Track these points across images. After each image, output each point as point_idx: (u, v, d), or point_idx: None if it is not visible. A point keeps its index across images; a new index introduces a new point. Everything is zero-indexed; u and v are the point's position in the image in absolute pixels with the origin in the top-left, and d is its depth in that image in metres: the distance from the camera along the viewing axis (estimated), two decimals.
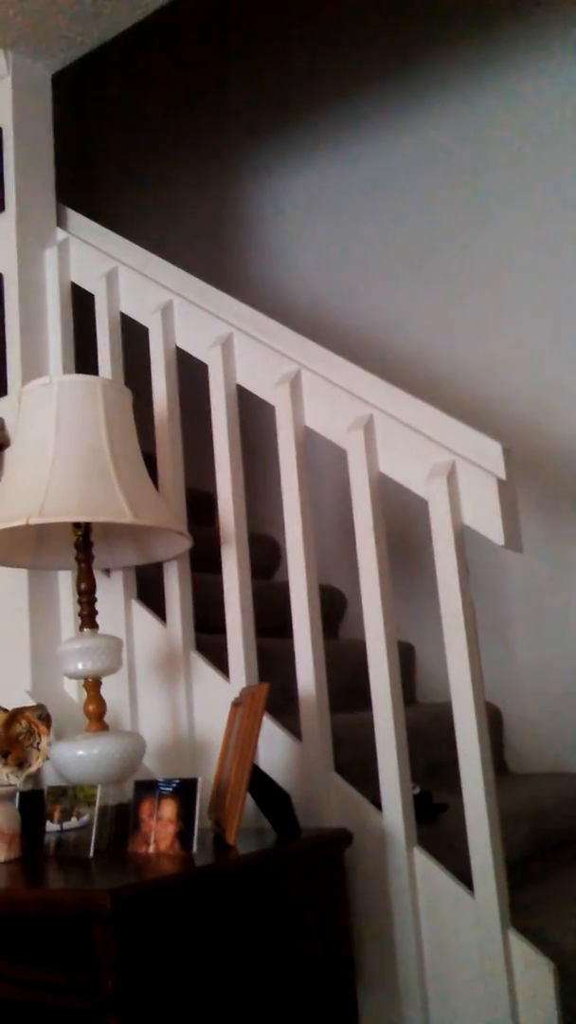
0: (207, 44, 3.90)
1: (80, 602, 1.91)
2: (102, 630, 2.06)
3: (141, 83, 4.13)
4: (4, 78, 2.52)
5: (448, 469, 1.81)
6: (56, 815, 1.68)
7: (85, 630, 1.90)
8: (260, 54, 3.70)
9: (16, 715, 1.96)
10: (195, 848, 1.58)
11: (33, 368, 2.39)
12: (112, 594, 2.20)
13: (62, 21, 2.43)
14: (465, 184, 3.08)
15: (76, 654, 1.85)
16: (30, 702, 2.12)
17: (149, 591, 2.27)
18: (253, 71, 3.72)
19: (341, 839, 1.76)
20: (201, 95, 3.91)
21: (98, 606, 1.95)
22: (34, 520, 1.73)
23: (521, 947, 1.62)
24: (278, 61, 3.64)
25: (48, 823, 1.69)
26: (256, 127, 3.68)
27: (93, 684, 1.87)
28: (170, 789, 1.64)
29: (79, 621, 1.91)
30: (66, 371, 2.42)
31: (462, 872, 1.73)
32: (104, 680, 1.92)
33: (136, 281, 2.38)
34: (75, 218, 2.54)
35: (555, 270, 2.86)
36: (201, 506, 3.15)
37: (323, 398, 2.04)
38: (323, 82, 3.49)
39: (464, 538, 1.81)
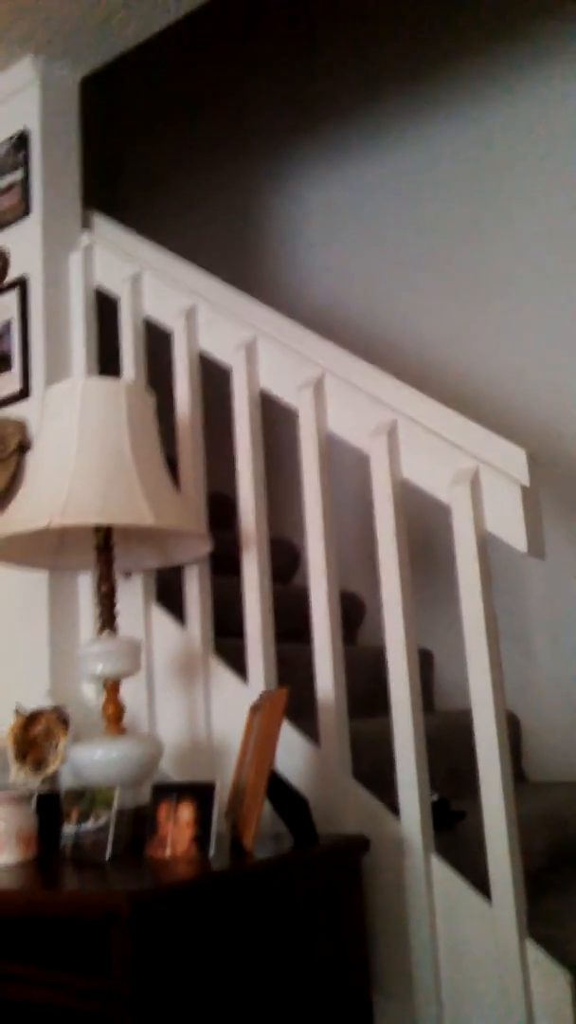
0: (233, 51, 3.91)
1: (100, 604, 1.92)
2: (121, 632, 2.06)
3: (167, 89, 4.14)
4: (32, 83, 2.54)
5: (471, 475, 1.80)
6: (73, 817, 1.68)
7: (105, 632, 1.90)
8: (284, 62, 3.71)
9: (35, 716, 1.96)
10: (212, 852, 1.58)
11: (57, 371, 2.40)
12: (132, 597, 2.20)
13: (89, 27, 2.44)
14: (487, 190, 3.07)
15: (95, 656, 1.85)
16: (49, 703, 2.12)
17: (168, 594, 2.27)
18: (276, 79, 3.73)
19: (358, 845, 1.75)
20: (226, 102, 3.91)
21: (118, 608, 1.95)
22: (56, 522, 1.73)
23: (538, 957, 1.60)
24: (301, 69, 3.64)
25: (65, 825, 1.69)
26: (279, 134, 3.68)
27: (112, 686, 1.87)
28: (188, 793, 1.64)
29: (99, 623, 1.91)
30: (89, 374, 2.43)
31: (480, 880, 1.71)
32: (123, 682, 1.92)
33: (160, 285, 2.39)
34: (100, 222, 2.55)
35: None
36: (221, 510, 3.15)
37: (346, 403, 2.03)
38: (345, 89, 3.49)
39: (487, 544, 1.80)
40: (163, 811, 1.65)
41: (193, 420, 2.26)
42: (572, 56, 2.94)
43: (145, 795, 1.79)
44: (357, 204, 3.41)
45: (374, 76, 3.41)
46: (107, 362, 2.53)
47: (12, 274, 2.49)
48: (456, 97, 3.18)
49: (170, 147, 4.10)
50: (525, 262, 2.96)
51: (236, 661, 2.09)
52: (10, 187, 2.54)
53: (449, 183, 3.17)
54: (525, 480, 1.77)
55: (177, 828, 1.62)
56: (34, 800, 1.80)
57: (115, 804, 1.65)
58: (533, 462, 1.79)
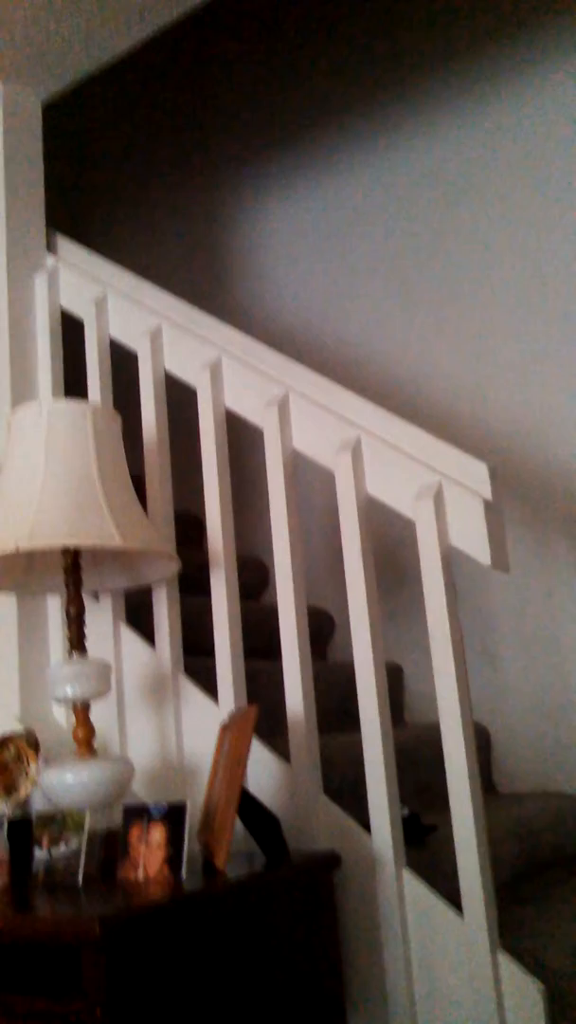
0: (197, 69, 3.94)
1: (69, 626, 1.92)
2: (91, 654, 2.06)
3: (131, 108, 4.17)
4: None
5: (435, 490, 1.82)
6: (45, 841, 1.68)
7: (74, 654, 1.90)
8: (249, 79, 3.74)
9: (4, 740, 1.95)
10: (184, 873, 1.58)
11: (22, 393, 2.40)
12: (101, 618, 2.21)
13: (52, 51, 2.45)
14: (452, 207, 3.11)
15: (65, 678, 1.85)
16: (18, 727, 2.12)
17: (138, 614, 2.27)
18: (242, 96, 3.76)
19: (330, 862, 1.76)
20: (190, 120, 3.94)
21: (87, 630, 1.96)
22: (23, 545, 1.73)
23: (511, 968, 1.62)
24: (267, 86, 3.68)
25: (36, 850, 1.68)
26: (245, 152, 3.71)
27: (82, 709, 1.87)
28: (159, 814, 1.64)
29: (68, 645, 1.91)
30: (55, 396, 2.44)
31: (452, 894, 1.73)
32: (93, 704, 1.92)
33: (125, 306, 2.40)
34: (65, 244, 2.56)
35: (542, 292, 2.89)
36: (189, 529, 3.16)
37: (311, 421, 2.05)
38: (311, 107, 3.52)
39: (451, 558, 1.82)
40: (135, 833, 1.65)
41: (160, 440, 2.27)
42: (538, 73, 2.99)
43: (116, 817, 1.79)
44: (320, 222, 3.44)
45: (343, 95, 3.45)
46: (73, 383, 2.54)
47: None
48: (419, 115, 3.22)
49: (134, 169, 4.12)
50: (488, 279, 3.00)
51: (206, 680, 2.10)
52: None
53: (416, 202, 3.21)
54: (488, 494, 1.79)
55: (149, 850, 1.62)
56: (5, 825, 1.79)
57: (86, 827, 1.65)
58: (495, 476, 1.82)
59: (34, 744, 1.94)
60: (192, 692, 2.07)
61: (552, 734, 2.70)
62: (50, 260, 2.54)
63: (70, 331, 2.55)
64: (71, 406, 1.92)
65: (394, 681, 2.90)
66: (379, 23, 3.36)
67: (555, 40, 2.95)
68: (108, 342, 2.44)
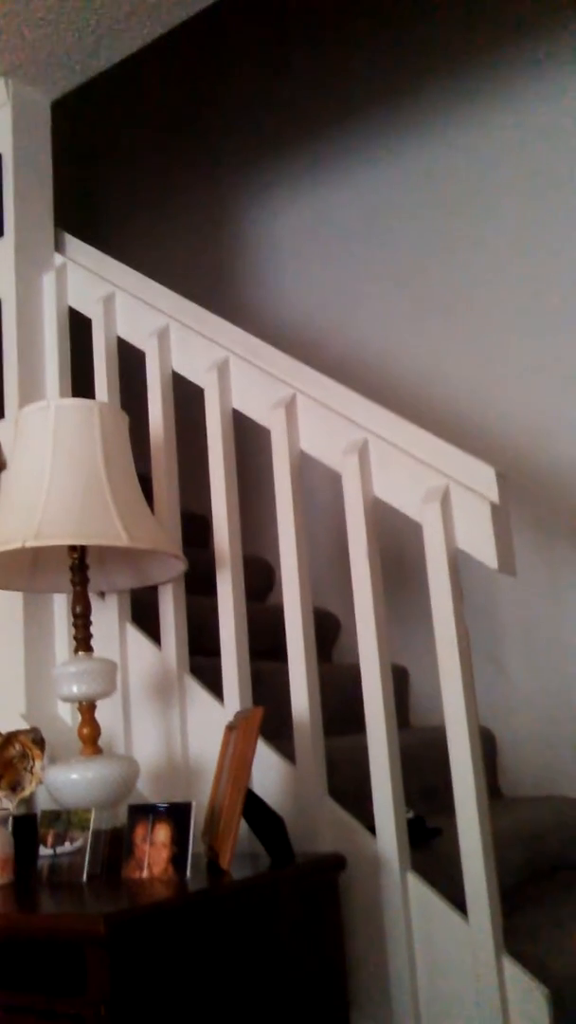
0: (205, 71, 3.94)
1: (75, 625, 1.92)
2: (97, 653, 2.06)
3: (139, 109, 4.17)
4: (3, 106, 2.55)
5: (442, 493, 1.82)
6: (50, 839, 1.67)
7: (80, 653, 1.90)
8: (256, 82, 3.75)
9: (10, 738, 1.95)
10: (189, 873, 1.58)
11: (30, 391, 2.40)
12: (107, 617, 2.21)
13: (62, 50, 2.46)
14: (458, 209, 3.11)
15: (71, 677, 1.85)
16: (24, 725, 2.12)
17: (144, 614, 2.27)
18: (249, 99, 3.76)
19: (335, 864, 1.76)
20: (198, 122, 3.94)
21: (93, 629, 1.96)
22: (30, 543, 1.73)
23: (515, 972, 1.61)
24: (274, 89, 3.68)
25: (41, 848, 1.68)
26: (252, 154, 3.72)
27: (87, 707, 1.87)
28: (164, 813, 1.64)
29: (74, 644, 1.91)
30: (63, 395, 2.44)
31: (456, 897, 1.72)
32: (98, 703, 1.92)
33: (133, 305, 2.40)
34: (73, 243, 2.56)
35: (549, 295, 2.88)
36: (196, 529, 3.16)
37: (318, 422, 2.05)
38: (318, 110, 3.52)
39: (458, 561, 1.82)
40: (140, 832, 1.65)
41: (167, 440, 2.27)
42: (545, 76, 2.99)
43: (122, 816, 1.79)
44: (328, 225, 3.44)
45: (349, 99, 3.45)
46: (80, 382, 2.54)
47: None
48: (427, 117, 3.22)
49: (141, 169, 4.13)
50: (497, 282, 3.00)
51: (212, 680, 2.10)
52: None
53: (422, 204, 3.21)
54: (495, 497, 1.79)
55: (154, 849, 1.62)
56: (10, 823, 1.79)
57: (91, 826, 1.65)
58: (502, 479, 1.81)
59: (39, 742, 1.94)
60: (198, 692, 2.07)
61: (558, 738, 2.69)
62: (58, 259, 2.54)
63: (78, 330, 2.55)
64: (78, 404, 1.92)
65: (400, 684, 2.89)
66: (385, 29, 3.36)
67: (562, 46, 2.94)
68: (116, 341, 2.44)
